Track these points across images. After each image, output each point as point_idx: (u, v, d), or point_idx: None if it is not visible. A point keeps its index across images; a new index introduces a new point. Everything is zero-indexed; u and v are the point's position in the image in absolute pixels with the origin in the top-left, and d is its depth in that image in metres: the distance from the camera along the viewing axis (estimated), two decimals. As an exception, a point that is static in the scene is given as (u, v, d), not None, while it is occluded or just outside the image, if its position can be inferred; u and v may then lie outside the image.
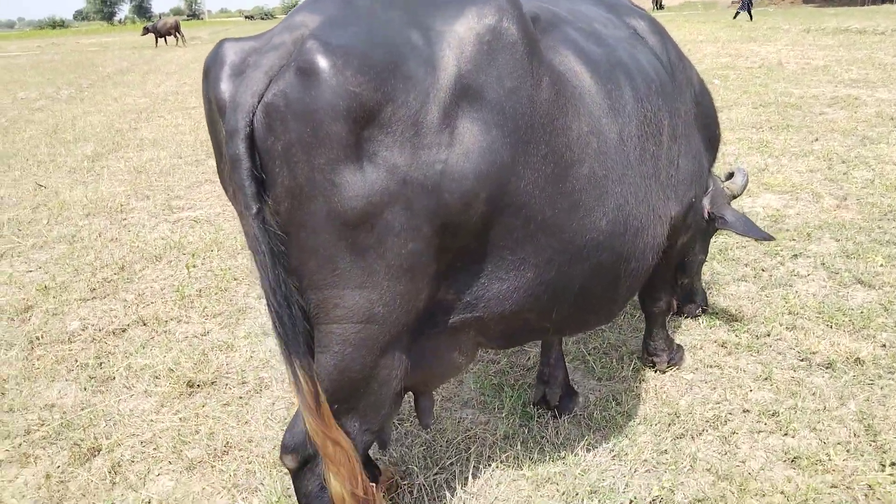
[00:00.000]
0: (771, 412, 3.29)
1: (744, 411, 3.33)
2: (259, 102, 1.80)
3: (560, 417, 3.36)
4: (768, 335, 4.01)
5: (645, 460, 3.03)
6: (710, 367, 3.74)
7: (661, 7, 47.22)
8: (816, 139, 8.46)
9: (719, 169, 3.94)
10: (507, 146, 2.02)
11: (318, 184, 1.82)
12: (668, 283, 3.59)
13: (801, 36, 21.33)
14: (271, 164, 1.83)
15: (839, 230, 5.49)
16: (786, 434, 3.15)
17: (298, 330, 1.91)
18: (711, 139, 3.52)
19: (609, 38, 2.71)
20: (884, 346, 3.81)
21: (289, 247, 1.91)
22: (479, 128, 1.96)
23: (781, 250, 5.18)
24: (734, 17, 33.44)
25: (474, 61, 1.96)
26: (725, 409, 3.35)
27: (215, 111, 1.98)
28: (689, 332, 4.13)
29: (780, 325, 4.10)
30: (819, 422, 3.21)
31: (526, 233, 2.17)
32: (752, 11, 34.62)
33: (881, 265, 4.80)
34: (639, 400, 3.49)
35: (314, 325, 2.03)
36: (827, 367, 3.65)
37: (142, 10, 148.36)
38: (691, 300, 4.19)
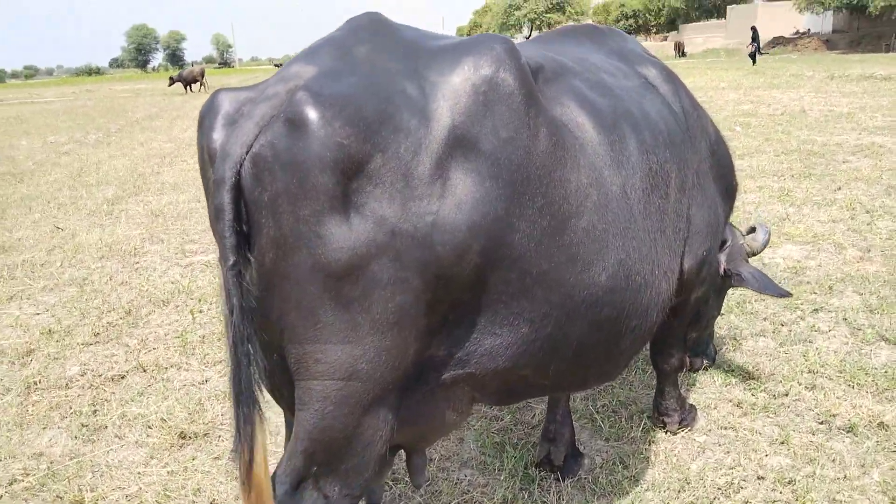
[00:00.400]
0: (787, 480, 3.09)
1: (758, 478, 3.13)
2: (248, 153, 1.77)
3: (563, 481, 3.19)
4: (786, 395, 3.81)
5: (651, 531, 2.84)
6: (725, 428, 3.55)
7: (683, 55, 47.52)
8: (839, 188, 8.28)
9: (740, 218, 3.81)
10: (502, 198, 1.95)
11: (303, 235, 1.77)
12: (680, 339, 3.44)
13: (825, 83, 21.21)
14: (257, 215, 1.79)
15: (862, 283, 5.29)
16: (803, 505, 2.94)
17: (252, 392, 1.82)
18: (728, 189, 3.38)
19: (616, 88, 2.63)
20: (911, 409, 3.59)
21: (271, 299, 1.85)
22: (472, 179, 1.91)
23: (802, 304, 4.98)
24: (753, 64, 33.67)
25: (469, 112, 1.92)
26: (739, 475, 3.15)
27: (206, 160, 1.94)
28: (704, 391, 3.95)
29: (799, 384, 3.90)
30: (839, 492, 3.00)
31: (522, 286, 2.08)
32: (757, 56, 35.04)
33: (906, 320, 4.59)
34: (647, 463, 3.30)
35: (295, 382, 1.93)
36: (848, 431, 3.44)
37: (175, 58, 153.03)
38: (697, 353, 4.00)
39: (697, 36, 61.19)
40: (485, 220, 1.92)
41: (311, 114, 1.74)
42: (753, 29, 37.59)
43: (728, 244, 3.45)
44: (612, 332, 2.41)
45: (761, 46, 36.51)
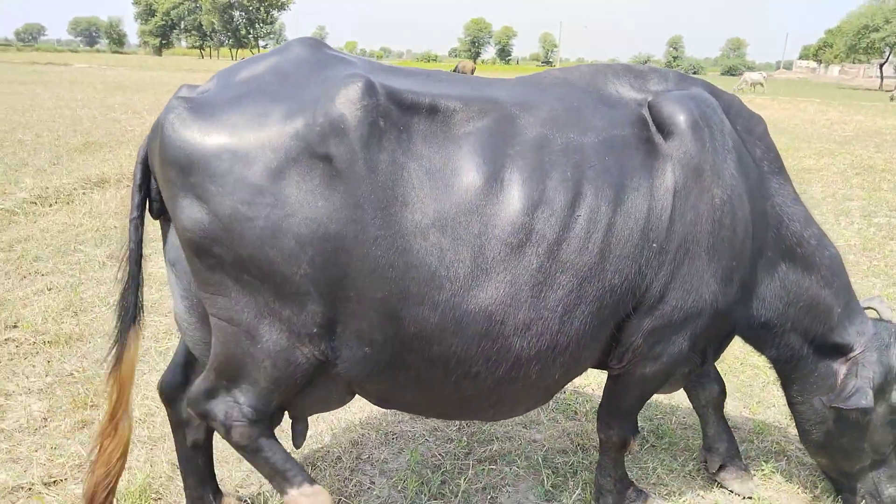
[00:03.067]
0: None
1: None
2: (147, 142, 2.37)
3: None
4: None
5: None
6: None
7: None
8: None
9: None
10: (334, 220, 2.17)
11: (170, 210, 2.27)
12: (623, 413, 2.90)
13: None
14: (160, 188, 2.34)
15: None
16: None
17: (132, 311, 2.47)
18: (728, 272, 2.61)
19: (549, 139, 2.43)
20: None
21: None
22: (304, 196, 2.16)
23: None
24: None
25: (306, 138, 2.18)
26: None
27: None
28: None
29: None
30: None
31: (360, 308, 2.28)
32: None
33: None
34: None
35: None
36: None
37: (503, 53, 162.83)
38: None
39: None
40: (314, 235, 2.16)
41: (165, 119, 2.19)
42: None
43: (858, 350, 2.86)
44: (450, 372, 2.40)
45: None
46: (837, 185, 11.15)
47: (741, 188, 2.58)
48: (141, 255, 2.44)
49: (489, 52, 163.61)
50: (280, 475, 2.53)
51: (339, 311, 2.28)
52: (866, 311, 2.98)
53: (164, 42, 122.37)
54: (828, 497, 3.24)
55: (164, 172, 2.21)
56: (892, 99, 38.32)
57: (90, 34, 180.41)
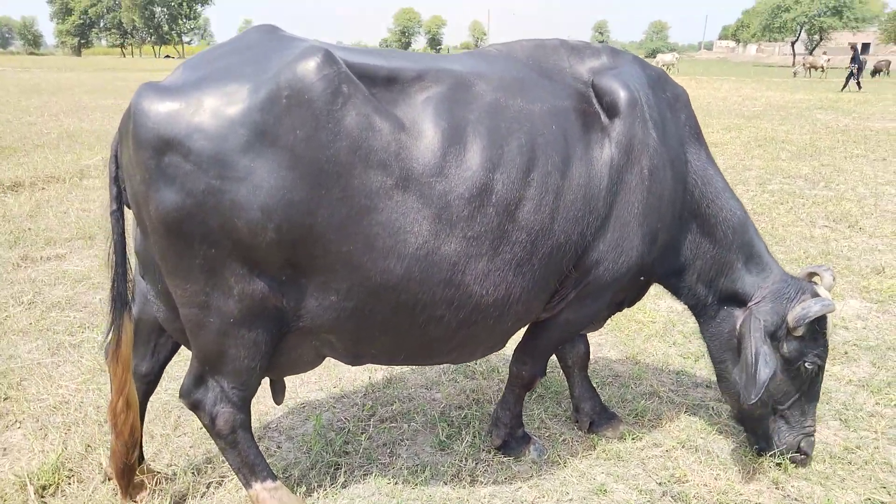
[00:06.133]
0: None
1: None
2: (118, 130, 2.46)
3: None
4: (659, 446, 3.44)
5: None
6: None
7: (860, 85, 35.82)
8: None
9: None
10: (299, 187, 2.34)
11: (141, 196, 2.35)
12: (537, 353, 3.24)
13: None
14: (125, 177, 2.44)
15: (888, 354, 4.43)
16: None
17: (124, 296, 2.59)
18: (653, 234, 2.94)
19: (501, 106, 2.66)
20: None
21: (147, 243, 2.49)
22: (270, 168, 2.29)
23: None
24: (842, 89, 27.56)
25: (273, 112, 2.31)
26: None
27: None
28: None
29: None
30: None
31: (326, 262, 2.45)
32: (854, 81, 28.07)
33: (895, 404, 3.82)
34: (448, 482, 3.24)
35: None
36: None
37: (434, 42, 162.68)
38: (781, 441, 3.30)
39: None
40: (279, 204, 2.31)
41: (135, 103, 2.27)
42: (854, 49, 29.85)
43: (755, 300, 3.12)
44: (416, 316, 2.64)
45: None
46: (740, 156, 11.85)
47: (666, 158, 2.91)
48: (125, 245, 2.57)
49: (419, 42, 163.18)
50: (249, 468, 2.77)
51: (306, 267, 2.46)
52: (812, 277, 3.22)
53: (83, 41, 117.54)
54: (690, 428, 3.64)
55: (137, 157, 2.28)
56: (794, 75, 40.37)
57: (2, 35, 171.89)
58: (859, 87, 28.50)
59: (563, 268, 2.81)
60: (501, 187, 2.57)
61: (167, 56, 57.13)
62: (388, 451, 3.47)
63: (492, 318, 2.75)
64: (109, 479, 3.02)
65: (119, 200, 2.50)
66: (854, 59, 29.04)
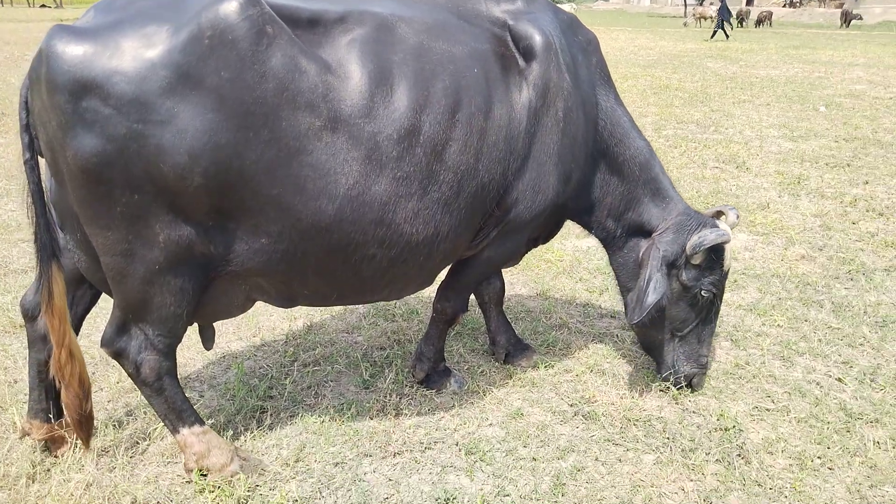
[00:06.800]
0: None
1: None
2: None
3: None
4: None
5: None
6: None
7: (847, 24, 42.08)
8: (867, 182, 7.43)
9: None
10: (225, 129, 2.30)
11: (57, 142, 2.25)
12: (460, 290, 3.38)
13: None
14: (37, 125, 2.34)
15: (775, 282, 4.87)
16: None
17: (50, 246, 2.49)
18: (567, 174, 3.10)
19: (423, 48, 2.69)
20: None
21: (64, 192, 2.39)
22: (195, 111, 2.25)
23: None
24: (710, 38, 29.14)
25: (195, 53, 2.25)
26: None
27: None
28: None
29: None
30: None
31: (256, 205, 2.46)
32: (724, 29, 29.82)
33: (778, 324, 4.22)
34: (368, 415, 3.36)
35: None
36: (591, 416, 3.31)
37: None
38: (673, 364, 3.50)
39: (877, 6, 54.60)
40: (206, 147, 2.28)
41: (47, 45, 2.18)
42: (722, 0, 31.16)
43: (660, 231, 3.28)
44: (349, 256, 2.68)
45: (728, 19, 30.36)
46: (637, 103, 12.31)
47: (579, 101, 3.04)
48: (42, 193, 2.47)
49: None
50: (175, 414, 2.75)
51: (235, 211, 2.45)
52: (719, 215, 3.34)
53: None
54: (597, 355, 3.91)
55: (52, 102, 2.19)
56: (685, 25, 41.99)
57: None
58: (727, 37, 29.82)
59: (487, 206, 2.93)
60: (429, 128, 2.63)
61: (43, 6, 52.47)
62: (314, 392, 3.54)
63: (422, 256, 2.84)
64: (28, 436, 2.94)
65: (32, 149, 2.40)
66: (721, 11, 30.36)
